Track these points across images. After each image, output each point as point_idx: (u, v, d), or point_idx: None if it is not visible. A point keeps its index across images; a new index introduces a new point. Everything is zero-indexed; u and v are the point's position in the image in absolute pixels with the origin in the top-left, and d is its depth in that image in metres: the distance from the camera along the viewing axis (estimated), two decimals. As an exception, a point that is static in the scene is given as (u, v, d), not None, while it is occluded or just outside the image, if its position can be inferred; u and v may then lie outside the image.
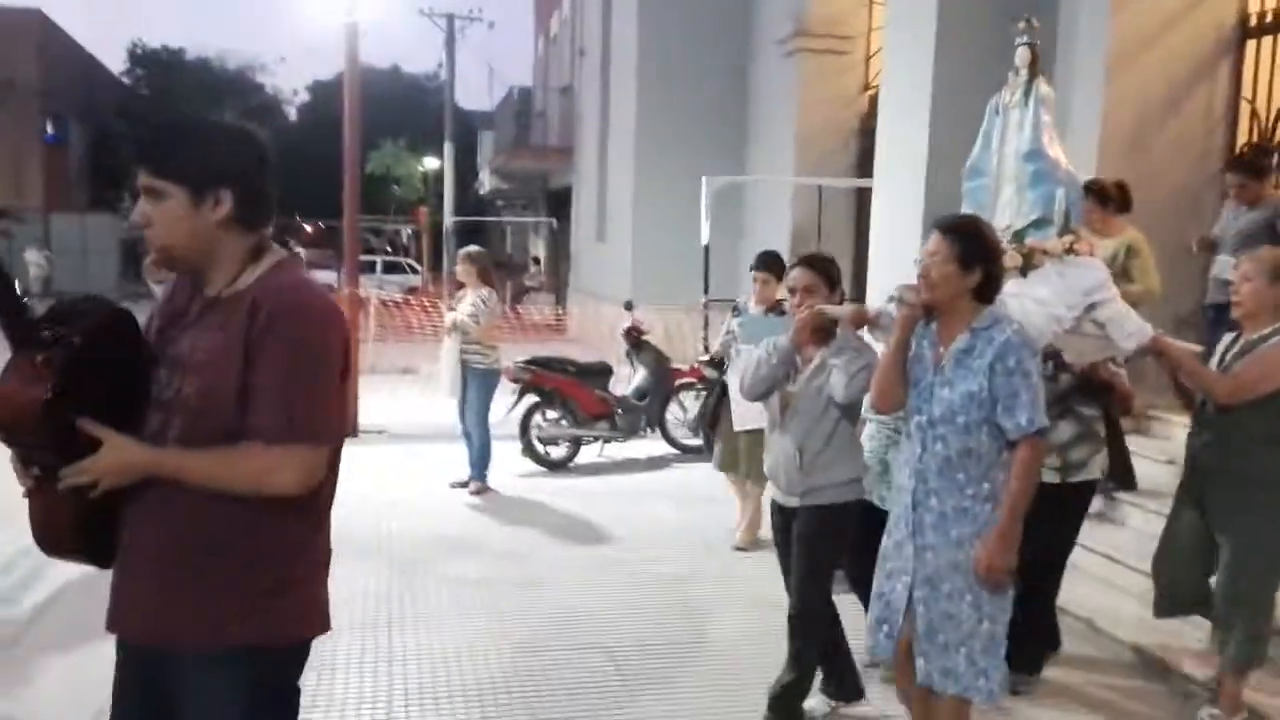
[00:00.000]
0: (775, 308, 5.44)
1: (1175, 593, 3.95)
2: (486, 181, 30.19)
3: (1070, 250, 3.90)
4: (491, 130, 28.50)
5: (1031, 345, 3.03)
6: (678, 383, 8.95)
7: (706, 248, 10.69)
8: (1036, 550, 3.93)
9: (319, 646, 2.25)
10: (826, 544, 3.77)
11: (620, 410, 8.55)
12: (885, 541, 3.23)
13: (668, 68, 15.65)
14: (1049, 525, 3.93)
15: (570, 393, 8.36)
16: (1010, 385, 2.91)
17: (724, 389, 6.25)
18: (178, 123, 2.08)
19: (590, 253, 20.49)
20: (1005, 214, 4.07)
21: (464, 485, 7.57)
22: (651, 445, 8.98)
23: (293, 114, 53.72)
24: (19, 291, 1.99)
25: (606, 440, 8.56)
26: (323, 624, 2.19)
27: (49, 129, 34.57)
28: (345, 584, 5.45)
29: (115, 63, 46.86)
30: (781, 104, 14.08)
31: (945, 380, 3.00)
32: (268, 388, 1.96)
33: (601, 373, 8.60)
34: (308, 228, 39.71)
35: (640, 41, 16.21)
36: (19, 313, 1.93)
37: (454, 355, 7.59)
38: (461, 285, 7.82)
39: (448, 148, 25.36)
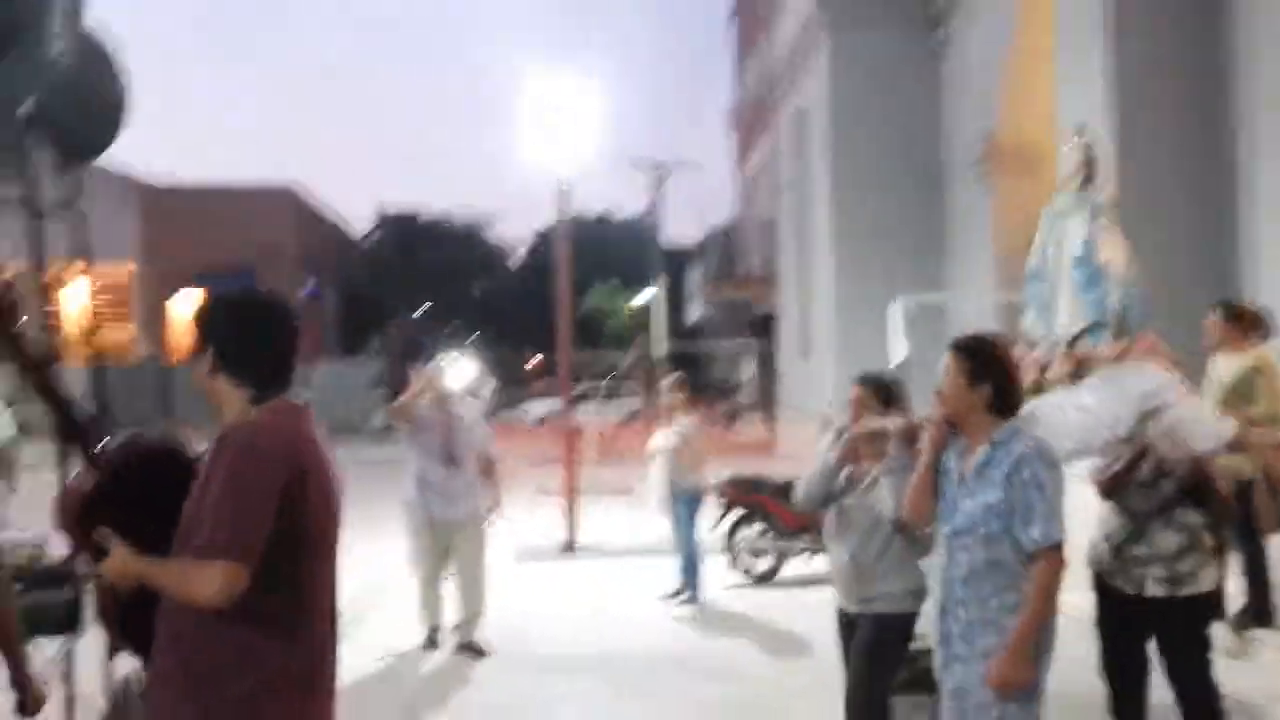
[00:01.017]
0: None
1: None
2: (694, 311, 31.40)
3: (1124, 355, 3.82)
4: (699, 264, 29.80)
5: (1050, 457, 3.06)
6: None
7: (898, 368, 11.03)
8: (1185, 674, 3.87)
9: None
10: (881, 652, 3.86)
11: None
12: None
13: (861, 195, 16.27)
14: (1167, 648, 3.84)
15: (771, 508, 8.81)
16: (1026, 498, 2.97)
17: None
18: (206, 300, 2.55)
19: (795, 371, 20.99)
20: (1063, 318, 4.08)
21: (674, 597, 8.10)
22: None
23: (517, 261, 57.52)
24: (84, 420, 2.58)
25: (813, 553, 8.89)
26: None
27: (306, 288, 38.69)
28: (552, 694, 6.06)
29: (363, 223, 51.93)
30: (977, 223, 14.36)
31: (968, 492, 3.08)
32: (206, 509, 2.25)
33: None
34: (533, 361, 42.11)
35: (834, 173, 16.96)
36: (84, 439, 2.49)
37: (662, 476, 8.27)
38: (671, 412, 8.53)
39: (658, 283, 26.71)
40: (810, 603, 7.89)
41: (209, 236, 34.85)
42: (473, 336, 47.83)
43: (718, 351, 36.30)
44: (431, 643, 6.70)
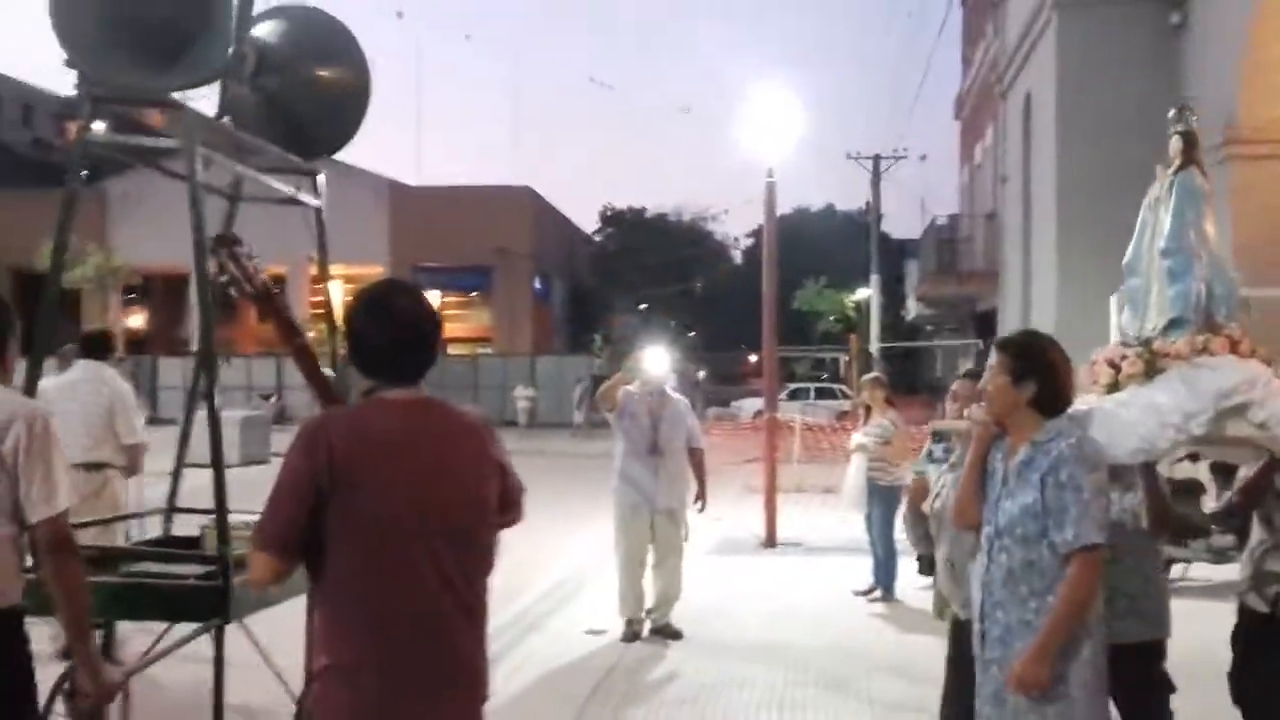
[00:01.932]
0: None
1: None
2: (913, 308, 30.72)
3: (1203, 350, 3.56)
4: (918, 259, 29.15)
5: (1091, 458, 2.99)
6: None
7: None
8: (1257, 701, 3.59)
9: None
10: (963, 660, 3.71)
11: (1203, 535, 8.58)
12: None
13: (1089, 183, 15.53)
14: (1266, 668, 3.56)
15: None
16: (1060, 499, 2.92)
17: None
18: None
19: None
20: (1153, 315, 3.85)
21: (866, 593, 8.17)
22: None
23: (738, 257, 57.88)
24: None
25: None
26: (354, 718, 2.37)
27: (537, 284, 40.46)
28: (738, 680, 6.31)
29: (590, 224, 53.75)
30: (1215, 211, 13.45)
31: (1009, 493, 3.05)
32: None
33: (1189, 491, 8.66)
34: (751, 358, 42.36)
35: (1060, 161, 16.26)
36: None
37: (860, 473, 8.36)
38: (869, 409, 8.58)
39: (874, 279, 26.36)
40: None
41: (453, 233, 36.87)
42: (690, 333, 48.57)
43: (936, 349, 35.38)
44: (631, 634, 6.94)
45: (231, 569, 3.41)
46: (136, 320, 40.13)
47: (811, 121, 11.35)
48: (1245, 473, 3.80)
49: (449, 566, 2.42)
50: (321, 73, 4.35)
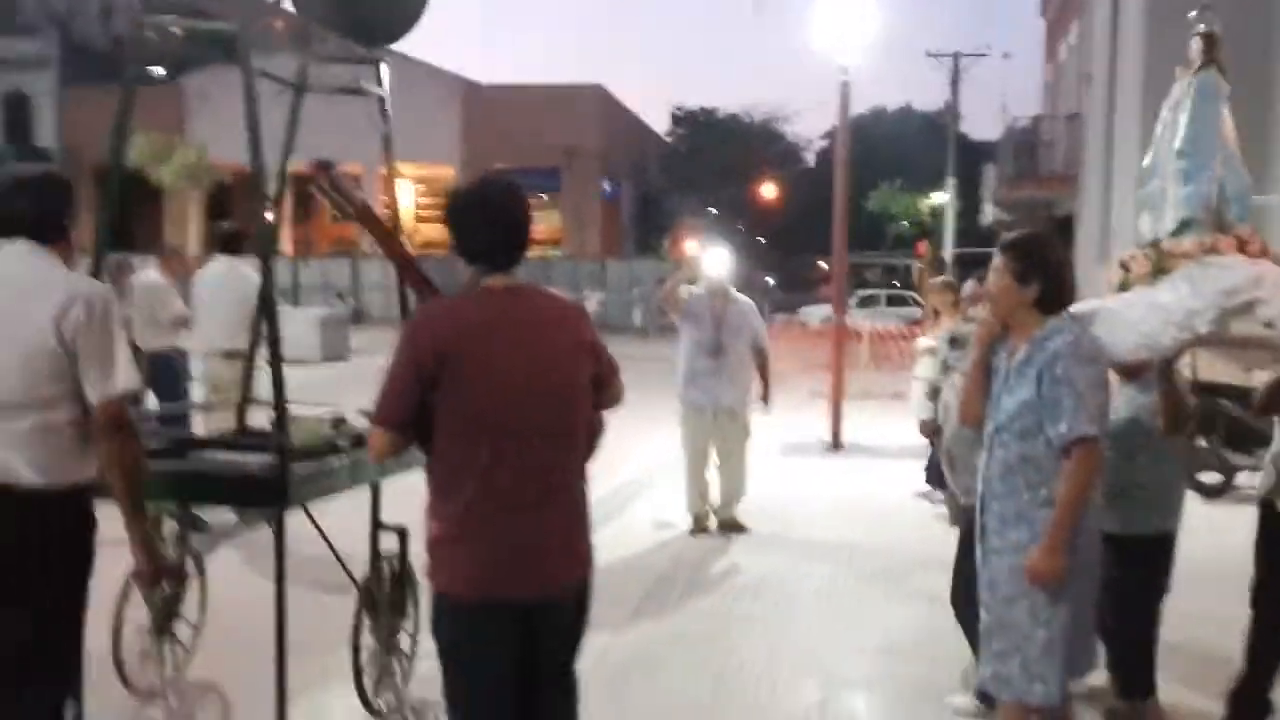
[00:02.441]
0: None
1: None
2: (989, 212, 30.08)
3: (1211, 250, 3.52)
4: (995, 161, 28.43)
5: (1087, 353, 3.04)
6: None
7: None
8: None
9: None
10: (966, 542, 3.92)
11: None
12: None
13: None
14: None
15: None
16: (1054, 393, 2.98)
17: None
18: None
19: (1092, 277, 19.87)
20: (1169, 216, 3.80)
21: (927, 494, 8.29)
22: None
23: (811, 159, 56.87)
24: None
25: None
26: (454, 584, 2.59)
27: (606, 187, 40.29)
28: (799, 574, 6.52)
29: (660, 124, 53.06)
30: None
31: (1009, 389, 3.12)
32: None
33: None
34: (822, 264, 41.98)
35: (1147, 61, 15.66)
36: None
37: (923, 378, 8.39)
38: (938, 314, 8.57)
39: (950, 182, 25.82)
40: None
41: (523, 134, 36.69)
42: (760, 238, 48.05)
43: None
44: (697, 528, 7.18)
45: (289, 457, 3.46)
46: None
47: (890, 19, 11.08)
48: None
49: (541, 450, 2.60)
50: None
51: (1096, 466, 3.01)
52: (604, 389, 2.79)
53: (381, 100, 4.49)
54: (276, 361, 3.67)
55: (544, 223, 42.52)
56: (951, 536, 7.07)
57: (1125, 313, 3.41)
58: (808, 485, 8.95)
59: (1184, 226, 3.71)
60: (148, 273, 7.93)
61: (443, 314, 2.69)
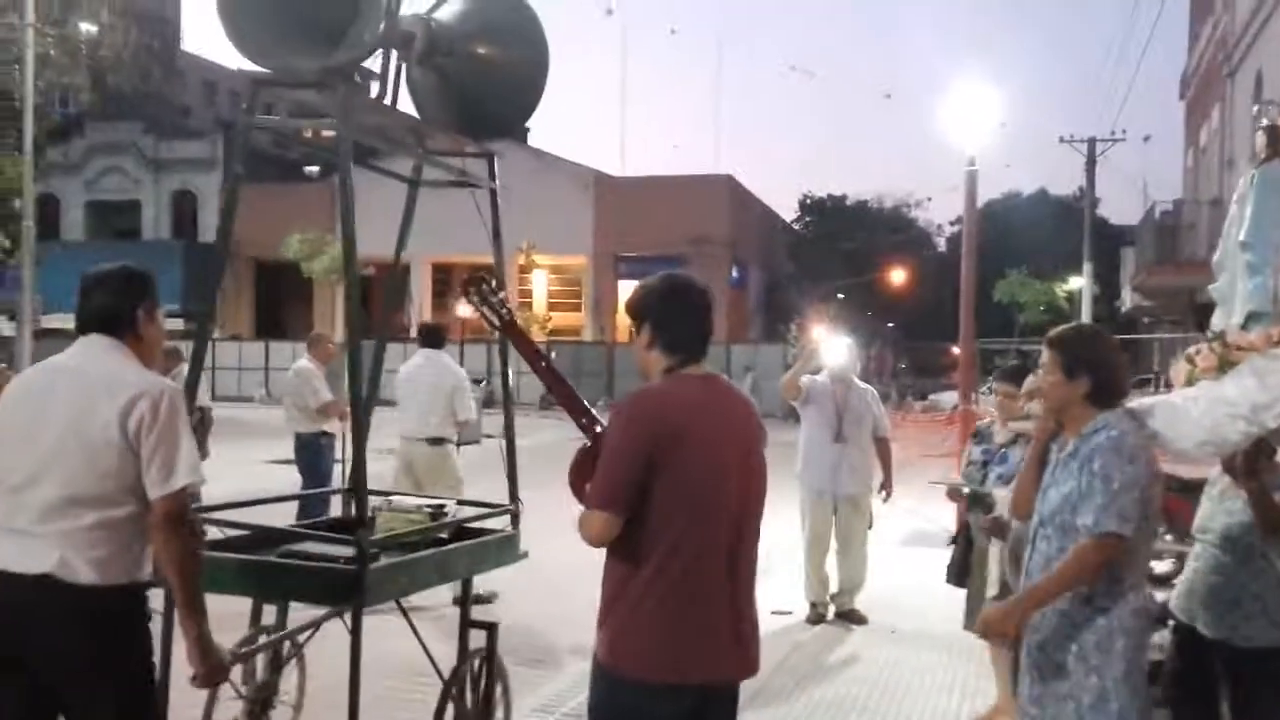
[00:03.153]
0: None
1: None
2: (1128, 298, 29.19)
3: (1279, 343, 3.37)
4: (1134, 246, 27.69)
5: (1129, 450, 2.95)
6: None
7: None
8: None
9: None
10: None
11: None
12: None
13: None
14: None
15: (1172, 506, 8.43)
16: (1090, 486, 2.94)
17: (970, 538, 5.51)
18: (640, 286, 2.90)
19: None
20: (1238, 310, 3.70)
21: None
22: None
23: (942, 244, 56.31)
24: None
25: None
26: (642, 663, 2.60)
27: (733, 273, 40.71)
28: (919, 666, 6.42)
29: (788, 212, 53.50)
30: None
31: (1055, 482, 3.09)
32: (599, 465, 2.67)
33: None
34: (955, 350, 41.24)
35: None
36: (585, 419, 2.99)
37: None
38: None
39: (1086, 267, 25.27)
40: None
41: (653, 223, 37.47)
42: (889, 323, 47.52)
43: (1152, 342, 33.41)
44: (815, 617, 7.15)
45: (369, 552, 3.32)
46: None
47: (1026, 104, 11.09)
48: None
49: (740, 536, 2.70)
50: (495, 51, 4.17)
51: (1112, 557, 2.92)
52: None
53: (493, 193, 4.43)
54: (360, 445, 3.66)
55: (672, 310, 43.14)
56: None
57: (1188, 408, 3.30)
58: (930, 577, 8.77)
59: (1251, 319, 3.60)
60: (299, 360, 8.52)
61: (664, 396, 2.71)
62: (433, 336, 7.87)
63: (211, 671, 2.78)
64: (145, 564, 2.79)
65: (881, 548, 7.94)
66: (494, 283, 3.10)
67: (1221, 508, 3.61)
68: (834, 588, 7.29)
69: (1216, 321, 3.82)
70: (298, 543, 3.62)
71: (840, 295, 44.09)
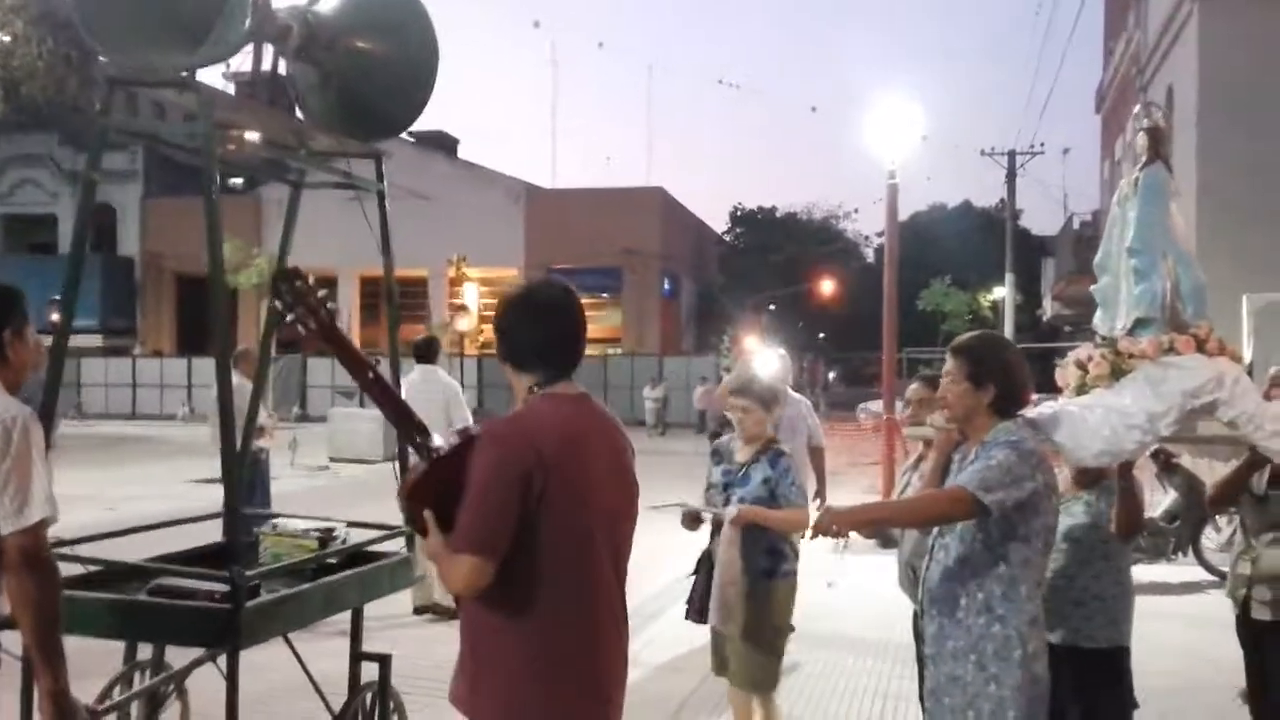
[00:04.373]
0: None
1: None
2: (1049, 307, 29.96)
3: (1169, 350, 3.40)
4: (1054, 257, 28.43)
5: (1022, 450, 2.93)
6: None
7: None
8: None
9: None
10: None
11: (1146, 533, 8.63)
12: None
13: (1231, 180, 15.06)
14: (1271, 674, 3.69)
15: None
16: (972, 467, 2.94)
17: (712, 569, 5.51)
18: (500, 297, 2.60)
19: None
20: (1123, 313, 3.69)
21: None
22: (1183, 570, 8.88)
23: (870, 255, 57.22)
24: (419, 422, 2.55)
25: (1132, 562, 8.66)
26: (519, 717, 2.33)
27: (666, 285, 40.88)
28: (850, 670, 6.48)
29: (719, 224, 53.93)
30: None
31: None
32: (465, 502, 2.32)
33: None
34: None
35: (1201, 157, 15.81)
36: (419, 435, 2.53)
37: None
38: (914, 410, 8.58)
39: (1008, 278, 25.86)
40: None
41: (585, 235, 37.55)
42: (820, 334, 48.09)
43: (1071, 351, 34.31)
44: None
45: (244, 589, 3.09)
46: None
47: (948, 118, 11.34)
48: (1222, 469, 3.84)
49: (618, 560, 2.48)
50: (379, 46, 3.93)
51: (961, 513, 2.92)
52: None
53: (381, 195, 4.21)
54: (229, 466, 3.42)
55: (605, 321, 43.22)
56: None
57: (1086, 417, 3.33)
58: (858, 582, 8.92)
59: (1139, 325, 3.60)
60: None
61: (536, 424, 2.38)
62: (427, 351, 7.92)
63: None
64: None
65: (810, 555, 7.99)
66: (309, 279, 2.67)
67: (1061, 512, 3.53)
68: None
69: (1098, 323, 3.83)
70: (171, 576, 3.31)
71: (771, 306, 44.52)
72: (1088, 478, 3.65)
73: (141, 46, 3.37)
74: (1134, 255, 3.67)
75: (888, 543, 4.52)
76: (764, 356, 7.54)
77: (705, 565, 4.41)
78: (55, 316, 3.92)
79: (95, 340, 39.45)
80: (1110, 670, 3.65)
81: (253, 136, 3.90)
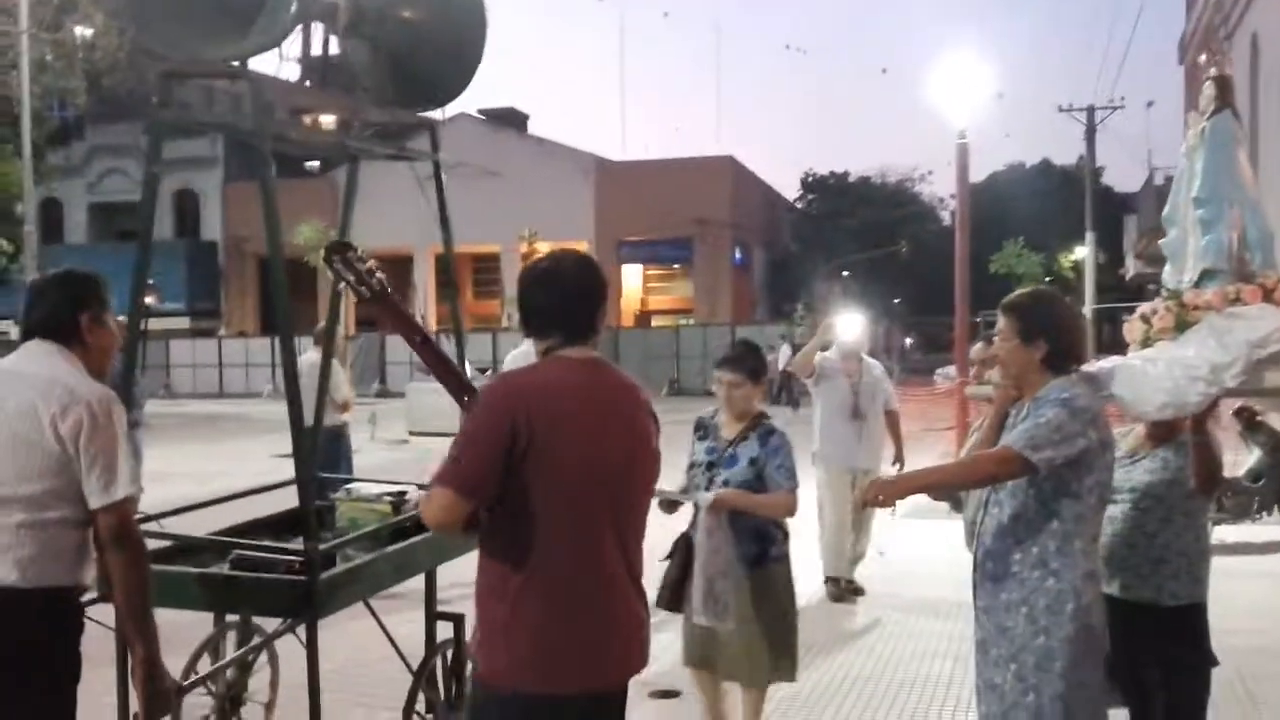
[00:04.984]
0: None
1: None
2: (1132, 266, 29.17)
3: (1236, 300, 3.34)
4: (1136, 214, 27.65)
5: (1074, 406, 2.92)
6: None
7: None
8: None
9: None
10: None
11: (1230, 492, 8.43)
12: None
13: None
14: None
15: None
16: (1023, 426, 2.95)
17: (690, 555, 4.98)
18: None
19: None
20: (1190, 266, 3.64)
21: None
22: (1268, 529, 8.66)
23: (947, 218, 56.18)
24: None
25: (1215, 523, 8.48)
26: (516, 674, 2.38)
27: (737, 254, 40.73)
28: (917, 633, 6.48)
29: (790, 191, 53.39)
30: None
31: None
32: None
33: None
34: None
35: (1289, 107, 15.20)
36: (467, 396, 2.62)
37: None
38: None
39: (1089, 236, 25.26)
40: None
41: (655, 207, 37.59)
42: (896, 299, 47.37)
43: (1158, 309, 33.39)
44: (840, 593, 7.17)
45: (318, 562, 3.16)
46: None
47: (1027, 74, 11.06)
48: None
49: (623, 528, 2.47)
50: (426, 14, 3.97)
51: (1007, 473, 2.95)
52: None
53: (437, 165, 4.25)
54: (299, 437, 3.37)
55: (677, 292, 43.28)
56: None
57: (1147, 369, 3.30)
58: (931, 548, 8.88)
59: (1206, 277, 3.54)
60: (308, 353, 8.63)
61: (530, 379, 2.49)
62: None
63: (152, 701, 2.67)
64: (79, 571, 2.72)
65: (885, 518, 8.04)
66: (358, 250, 2.82)
67: (1139, 468, 3.55)
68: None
69: (1167, 277, 3.79)
70: (251, 547, 3.41)
71: (845, 273, 44.04)
72: (1162, 432, 3.57)
73: (191, 37, 3.40)
74: (1200, 206, 3.62)
75: (957, 505, 4.38)
76: (847, 321, 7.52)
77: (682, 550, 4.12)
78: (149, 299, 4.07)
79: (183, 323, 40.75)
80: (1191, 627, 3.61)
81: (310, 120, 3.98)
